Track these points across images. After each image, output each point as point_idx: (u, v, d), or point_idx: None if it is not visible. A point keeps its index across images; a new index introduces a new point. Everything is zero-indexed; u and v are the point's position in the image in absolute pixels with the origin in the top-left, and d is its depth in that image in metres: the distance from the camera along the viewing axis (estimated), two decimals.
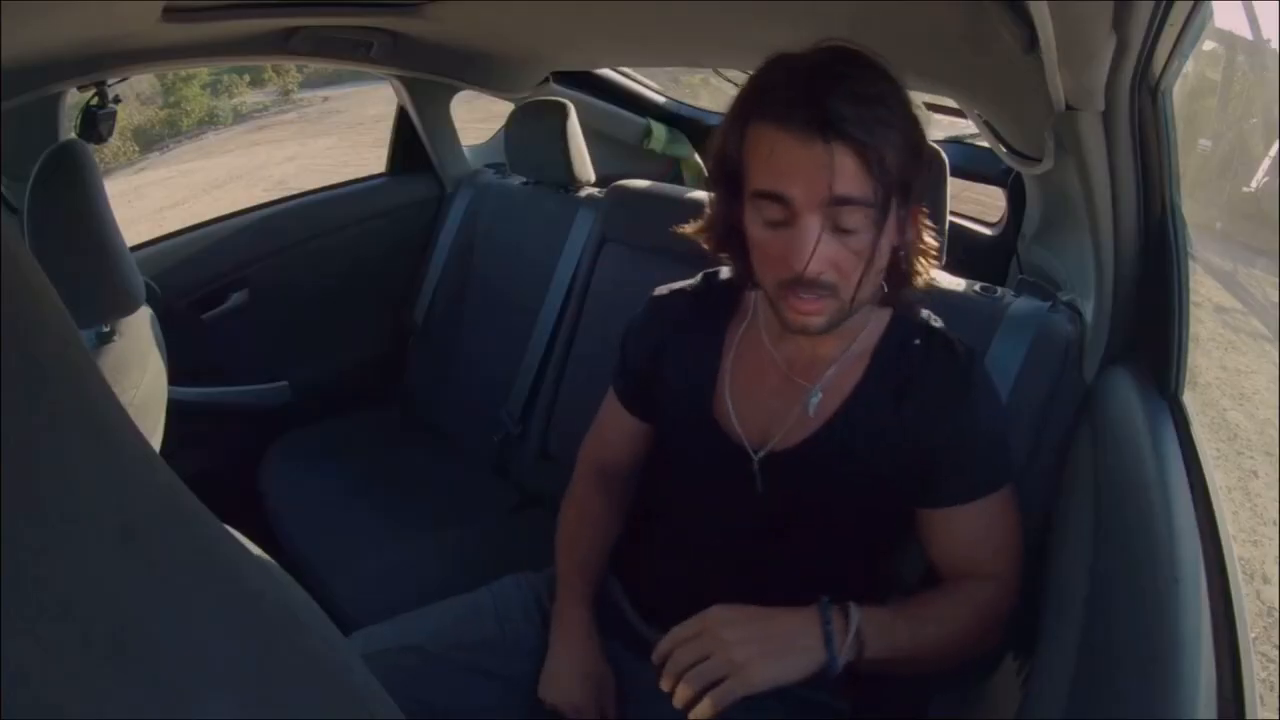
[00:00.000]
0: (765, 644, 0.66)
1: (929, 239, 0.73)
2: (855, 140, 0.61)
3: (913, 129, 0.65)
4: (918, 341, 0.76)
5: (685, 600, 0.79)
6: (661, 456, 0.91)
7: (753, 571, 0.79)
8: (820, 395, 0.76)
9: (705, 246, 0.77)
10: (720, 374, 0.81)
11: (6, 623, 0.21)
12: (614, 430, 0.92)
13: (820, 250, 0.64)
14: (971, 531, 0.75)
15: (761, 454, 0.77)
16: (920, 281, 0.73)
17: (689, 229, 0.78)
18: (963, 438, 0.74)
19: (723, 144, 0.69)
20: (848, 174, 0.62)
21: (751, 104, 0.66)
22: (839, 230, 0.64)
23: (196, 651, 0.26)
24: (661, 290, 0.90)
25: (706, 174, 2.07)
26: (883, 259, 0.68)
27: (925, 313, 0.79)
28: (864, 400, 0.76)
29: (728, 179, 0.69)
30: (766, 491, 0.78)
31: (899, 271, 0.72)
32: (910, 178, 0.65)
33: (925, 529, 0.77)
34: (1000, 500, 0.75)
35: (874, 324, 0.78)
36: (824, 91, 0.61)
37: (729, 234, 0.72)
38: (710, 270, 0.88)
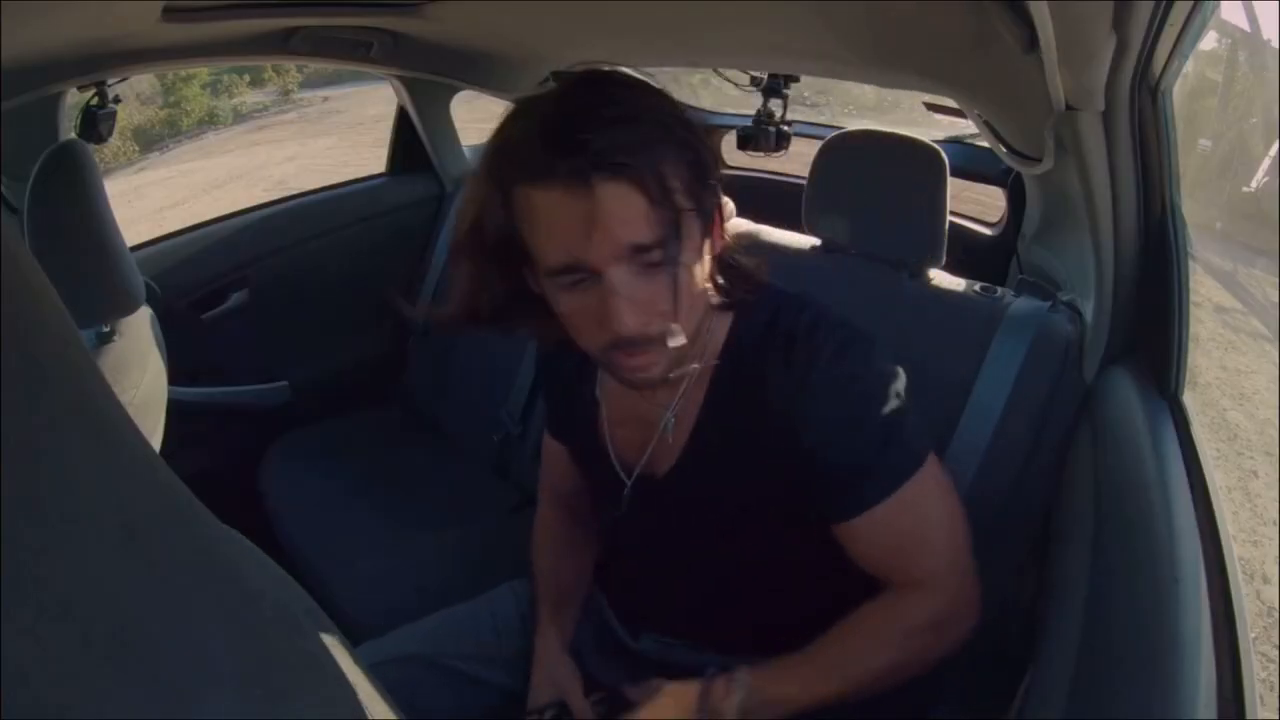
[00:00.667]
0: None
1: (730, 233, 0.67)
2: (628, 171, 0.54)
3: (691, 138, 0.58)
4: (771, 336, 0.68)
5: (658, 608, 0.83)
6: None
7: (684, 576, 0.80)
8: (674, 419, 0.71)
9: (463, 331, 0.69)
10: (600, 398, 0.78)
11: (7, 622, 0.21)
12: (554, 459, 0.92)
13: (633, 303, 0.57)
14: (889, 537, 0.66)
15: (634, 478, 0.76)
16: (757, 277, 0.68)
17: (443, 316, 0.69)
18: (830, 424, 0.64)
19: (480, 214, 0.60)
20: (634, 214, 0.55)
21: (506, 166, 0.58)
22: (644, 271, 0.57)
23: (196, 651, 0.26)
24: None
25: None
26: (699, 283, 0.61)
27: (773, 307, 0.69)
28: (712, 411, 0.70)
29: (497, 249, 0.60)
30: (643, 514, 0.76)
31: (731, 278, 0.67)
32: (699, 193, 0.58)
33: (843, 542, 0.68)
34: (913, 492, 0.65)
35: (717, 333, 0.70)
36: (578, 128, 0.54)
37: (510, 305, 0.65)
38: None
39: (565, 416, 0.86)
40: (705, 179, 0.59)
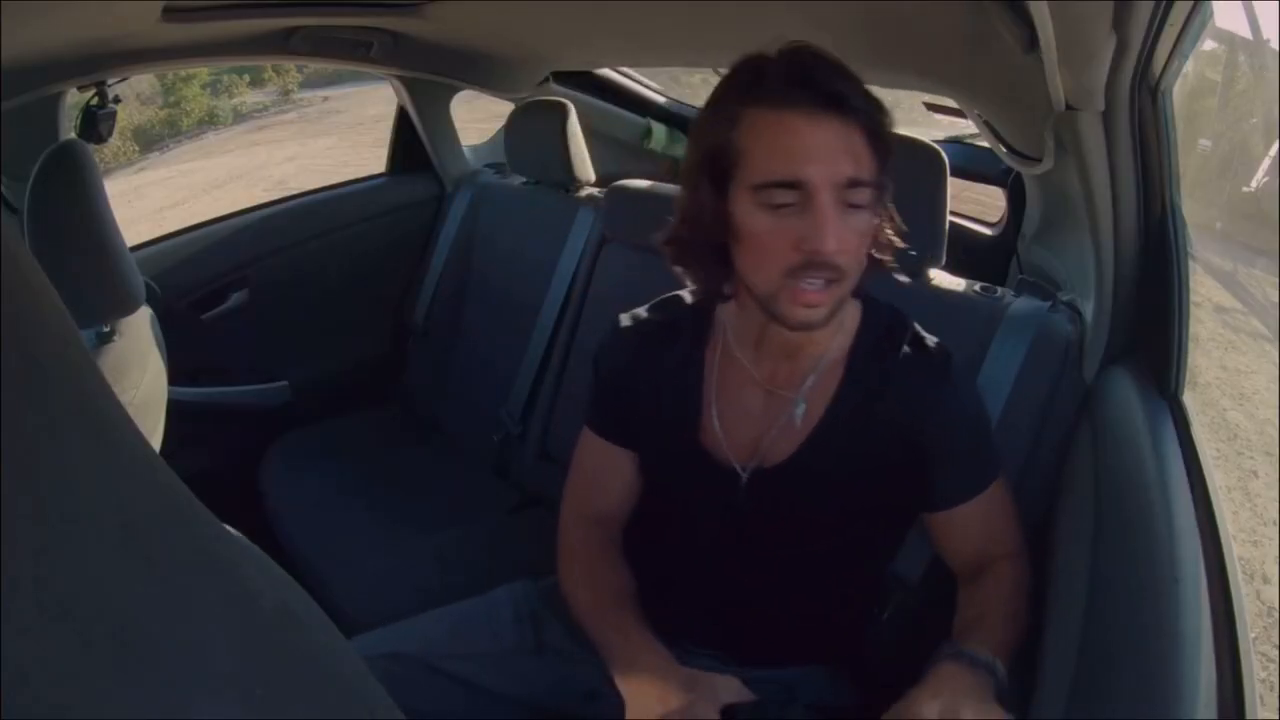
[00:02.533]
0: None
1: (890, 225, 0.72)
2: (863, 116, 0.62)
3: (885, 115, 0.66)
4: (892, 339, 0.75)
5: (695, 613, 0.81)
6: (648, 486, 0.86)
7: (760, 583, 0.79)
8: (804, 405, 0.74)
9: (675, 259, 0.73)
10: (705, 400, 0.78)
11: (6, 623, 0.21)
12: (599, 469, 0.86)
13: (838, 229, 0.62)
14: (979, 526, 0.76)
15: (749, 471, 0.76)
16: (888, 266, 0.73)
17: (661, 240, 0.74)
18: (951, 432, 0.74)
19: (711, 137, 0.65)
20: (858, 152, 0.62)
21: (743, 91, 0.64)
22: (846, 208, 0.63)
23: (196, 651, 0.26)
24: (625, 320, 0.85)
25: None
26: (875, 242, 0.68)
27: (893, 309, 0.78)
28: (846, 404, 0.75)
29: (715, 175, 0.66)
30: (755, 508, 0.77)
31: (874, 259, 0.71)
32: (887, 157, 0.66)
33: (934, 531, 0.78)
34: (997, 489, 0.76)
35: (847, 326, 0.76)
36: (821, 72, 0.62)
37: (713, 229, 0.68)
38: (668, 296, 0.85)
39: (647, 420, 0.81)
40: (889, 150, 0.65)
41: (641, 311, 0.85)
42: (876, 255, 0.71)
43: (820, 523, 0.77)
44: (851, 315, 0.76)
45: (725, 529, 0.79)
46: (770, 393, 0.76)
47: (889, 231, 0.71)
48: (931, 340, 0.77)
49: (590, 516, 0.86)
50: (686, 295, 0.83)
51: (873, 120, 0.63)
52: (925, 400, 0.73)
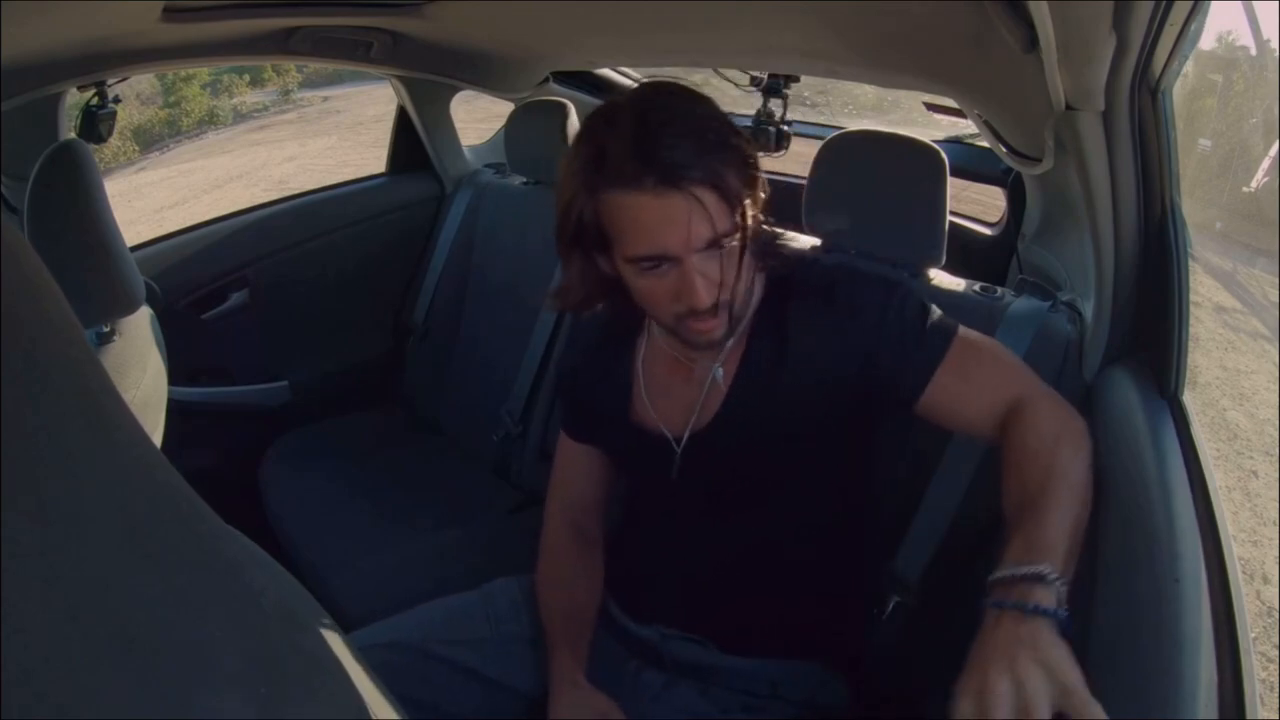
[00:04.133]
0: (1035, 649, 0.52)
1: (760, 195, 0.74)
2: (706, 181, 0.65)
3: (738, 140, 0.69)
4: (784, 289, 0.79)
5: (673, 594, 0.83)
6: (617, 476, 0.93)
7: (723, 556, 0.82)
8: (722, 370, 0.79)
9: (570, 308, 0.81)
10: (635, 381, 0.84)
11: (9, 621, 0.21)
12: (573, 467, 0.93)
13: (706, 280, 0.68)
14: (959, 387, 0.74)
15: (683, 438, 0.80)
16: (778, 240, 0.78)
17: (550, 303, 0.85)
18: (874, 344, 0.74)
19: (574, 213, 0.70)
20: (712, 213, 0.66)
21: (594, 175, 0.68)
22: (713, 253, 0.68)
23: (199, 649, 0.26)
24: (585, 320, 0.93)
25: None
26: (753, 257, 0.72)
27: (795, 259, 0.81)
28: (756, 355, 0.78)
29: (586, 242, 0.72)
30: (695, 473, 0.80)
31: (764, 248, 0.75)
32: (748, 183, 0.69)
33: (928, 417, 0.76)
34: (960, 351, 0.74)
35: (757, 293, 0.80)
36: (658, 143, 0.64)
37: (598, 288, 0.76)
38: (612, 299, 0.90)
39: (593, 412, 0.89)
40: (750, 170, 0.70)
41: (597, 315, 0.90)
42: (765, 239, 0.75)
43: (762, 476, 0.80)
44: (756, 287, 0.80)
45: (674, 499, 0.82)
46: (693, 365, 0.81)
47: (757, 220, 0.74)
48: (820, 267, 0.81)
49: (568, 512, 0.93)
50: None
51: (716, 178, 0.65)
52: (834, 332, 0.75)
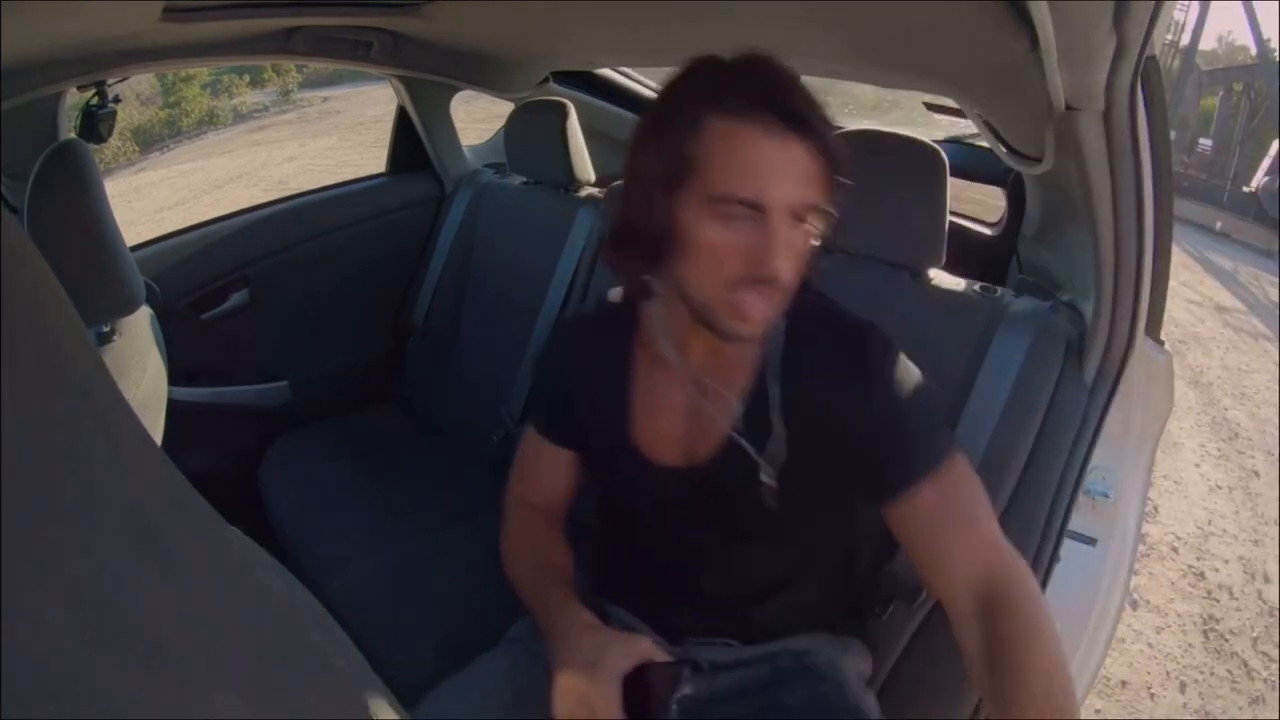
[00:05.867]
0: None
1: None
2: (822, 141, 0.61)
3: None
4: (809, 327, 0.73)
5: (686, 612, 0.81)
6: (598, 484, 0.87)
7: (724, 573, 0.79)
8: (734, 402, 0.73)
9: (612, 256, 0.73)
10: (631, 397, 0.78)
11: (17, 619, 0.21)
12: (538, 466, 0.87)
13: (786, 249, 0.62)
14: (939, 513, 0.68)
15: (680, 467, 0.75)
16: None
17: (610, 250, 0.74)
18: (878, 416, 0.69)
19: (669, 138, 0.63)
20: (816, 177, 0.62)
21: (705, 96, 0.62)
22: (795, 226, 0.63)
23: (206, 648, 0.26)
24: (566, 321, 0.88)
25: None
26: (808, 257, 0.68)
27: (814, 296, 0.74)
28: (763, 397, 0.73)
29: (668, 176, 0.64)
30: (691, 502, 0.76)
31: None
32: (839, 183, 0.66)
33: (895, 528, 0.70)
34: (954, 476, 0.69)
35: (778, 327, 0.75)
36: (787, 90, 0.61)
37: (649, 233, 0.66)
38: (602, 296, 0.85)
39: (581, 424, 0.82)
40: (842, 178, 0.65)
41: (581, 312, 0.86)
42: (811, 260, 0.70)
43: (761, 511, 0.74)
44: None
45: (670, 523, 0.79)
46: (696, 388, 0.74)
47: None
48: (851, 320, 0.74)
49: (523, 505, 0.89)
50: (614, 294, 0.83)
51: (832, 145, 0.62)
52: (840, 386, 0.70)
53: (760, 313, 0.65)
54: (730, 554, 0.79)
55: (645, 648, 0.70)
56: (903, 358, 0.73)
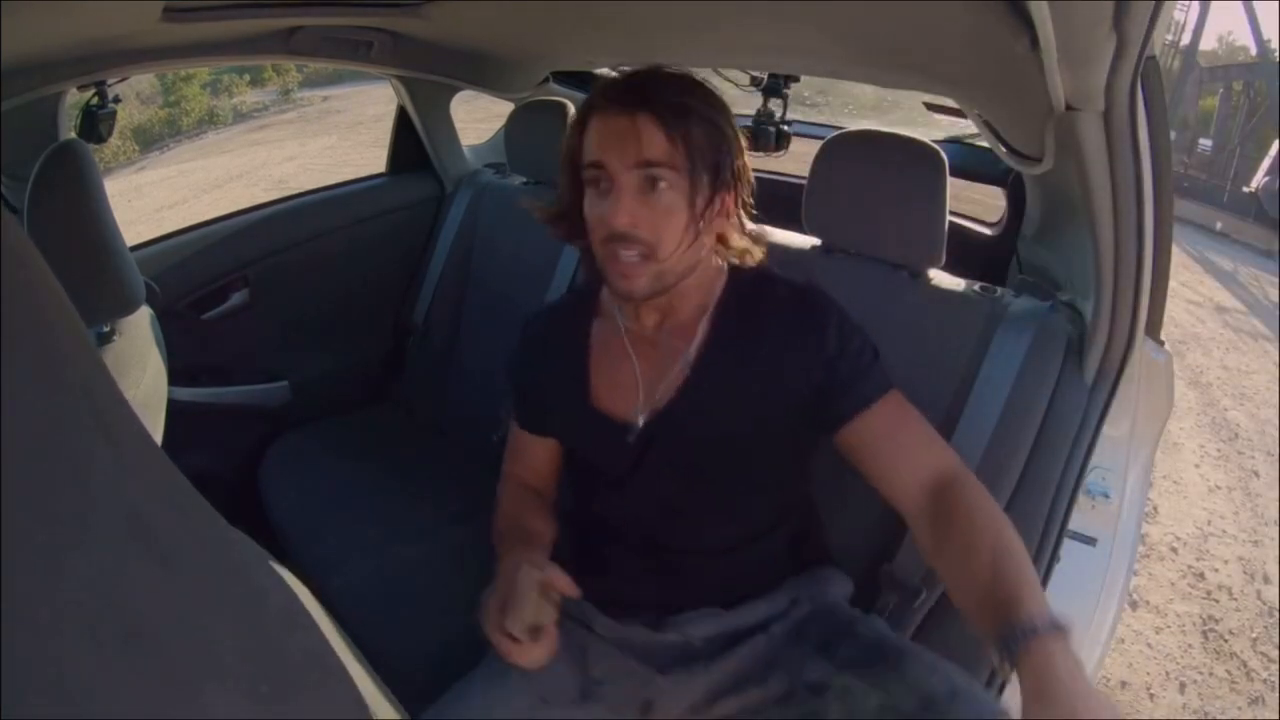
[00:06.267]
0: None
1: (748, 224, 0.82)
2: (660, 111, 0.71)
3: (720, 119, 0.75)
4: (757, 287, 0.82)
5: (669, 586, 0.84)
6: (570, 464, 0.93)
7: (699, 530, 0.83)
8: (693, 354, 0.81)
9: (554, 235, 0.85)
10: (590, 365, 0.85)
11: (17, 618, 0.21)
12: (523, 452, 0.94)
13: (629, 205, 0.72)
14: (890, 429, 0.77)
15: (640, 420, 0.81)
16: (751, 259, 0.81)
17: (539, 214, 0.86)
18: (833, 359, 0.77)
19: (569, 139, 0.78)
20: (653, 140, 0.71)
21: (589, 103, 0.76)
22: (650, 190, 0.72)
23: (204, 647, 0.26)
24: (530, 313, 0.97)
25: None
26: (695, 224, 0.74)
27: (763, 273, 0.84)
28: (719, 344, 0.81)
29: (571, 169, 0.78)
30: (655, 454, 0.81)
31: (732, 249, 0.80)
32: (719, 160, 0.74)
33: (852, 451, 0.78)
34: (897, 402, 0.78)
35: (714, 285, 0.83)
36: (641, 78, 0.74)
37: (574, 219, 0.79)
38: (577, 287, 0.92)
39: (546, 401, 0.89)
40: (723, 151, 0.75)
41: (544, 305, 0.93)
42: (733, 246, 0.79)
43: (722, 455, 0.81)
44: (717, 276, 0.83)
45: (638, 480, 0.82)
46: (650, 347, 0.83)
47: (747, 230, 0.81)
48: (796, 283, 0.83)
49: (520, 480, 0.95)
50: (580, 281, 0.91)
51: (670, 113, 0.71)
52: (799, 336, 0.78)
53: (635, 271, 0.74)
54: (699, 504, 0.83)
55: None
56: (842, 309, 0.81)
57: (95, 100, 1.32)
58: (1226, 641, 2.00)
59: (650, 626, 0.83)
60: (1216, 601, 2.18)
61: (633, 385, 0.83)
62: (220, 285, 1.53)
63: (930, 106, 1.44)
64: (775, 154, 1.54)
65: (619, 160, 0.72)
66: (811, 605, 0.84)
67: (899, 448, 0.77)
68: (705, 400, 0.80)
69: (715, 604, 0.83)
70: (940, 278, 1.01)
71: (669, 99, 0.72)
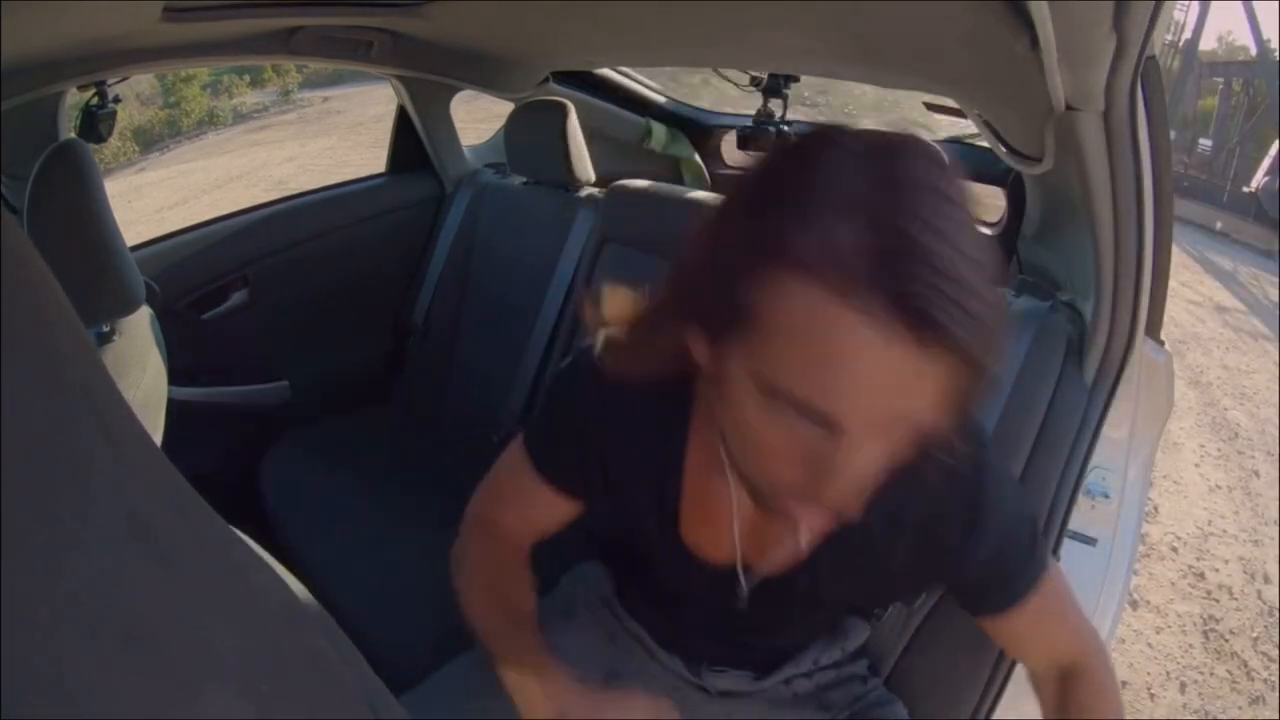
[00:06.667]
0: None
1: None
2: (959, 348, 0.40)
3: (997, 294, 0.44)
4: (913, 469, 0.52)
5: (706, 649, 0.83)
6: (625, 542, 0.80)
7: (763, 635, 0.80)
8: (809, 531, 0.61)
9: (615, 365, 0.61)
10: (683, 488, 0.67)
11: (14, 618, 0.21)
12: (523, 499, 0.75)
13: (854, 474, 0.46)
14: (1034, 622, 0.68)
15: (744, 577, 0.67)
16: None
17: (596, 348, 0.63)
18: (988, 562, 0.65)
19: (724, 273, 0.45)
20: (931, 392, 0.42)
21: (788, 236, 0.42)
22: (883, 441, 0.46)
23: (203, 647, 0.26)
24: (599, 352, 0.66)
25: (706, 176, 2.05)
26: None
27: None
28: (854, 528, 0.57)
29: (712, 316, 0.47)
30: (751, 606, 0.70)
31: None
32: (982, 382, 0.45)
33: (988, 629, 0.71)
34: (1050, 588, 0.67)
35: None
36: (919, 259, 0.39)
37: (668, 366, 0.55)
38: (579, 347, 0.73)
39: (603, 481, 0.70)
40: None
41: (624, 370, 0.63)
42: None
43: (820, 603, 0.73)
44: None
45: (717, 612, 0.73)
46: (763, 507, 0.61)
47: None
48: (965, 464, 0.58)
49: (498, 532, 0.79)
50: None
51: (978, 353, 0.41)
52: (955, 535, 0.63)
53: (812, 523, 0.54)
54: (771, 620, 0.76)
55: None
56: (1008, 480, 0.67)
57: (95, 100, 1.32)
58: (1227, 641, 2.00)
59: (683, 659, 0.83)
60: (1217, 601, 2.18)
61: (726, 523, 0.65)
62: (220, 285, 1.53)
63: (930, 106, 1.44)
64: None
65: (868, 416, 0.43)
66: (836, 673, 0.85)
67: (1040, 636, 0.70)
68: (824, 574, 0.66)
69: (752, 668, 0.82)
70: None
71: (967, 308, 0.40)
